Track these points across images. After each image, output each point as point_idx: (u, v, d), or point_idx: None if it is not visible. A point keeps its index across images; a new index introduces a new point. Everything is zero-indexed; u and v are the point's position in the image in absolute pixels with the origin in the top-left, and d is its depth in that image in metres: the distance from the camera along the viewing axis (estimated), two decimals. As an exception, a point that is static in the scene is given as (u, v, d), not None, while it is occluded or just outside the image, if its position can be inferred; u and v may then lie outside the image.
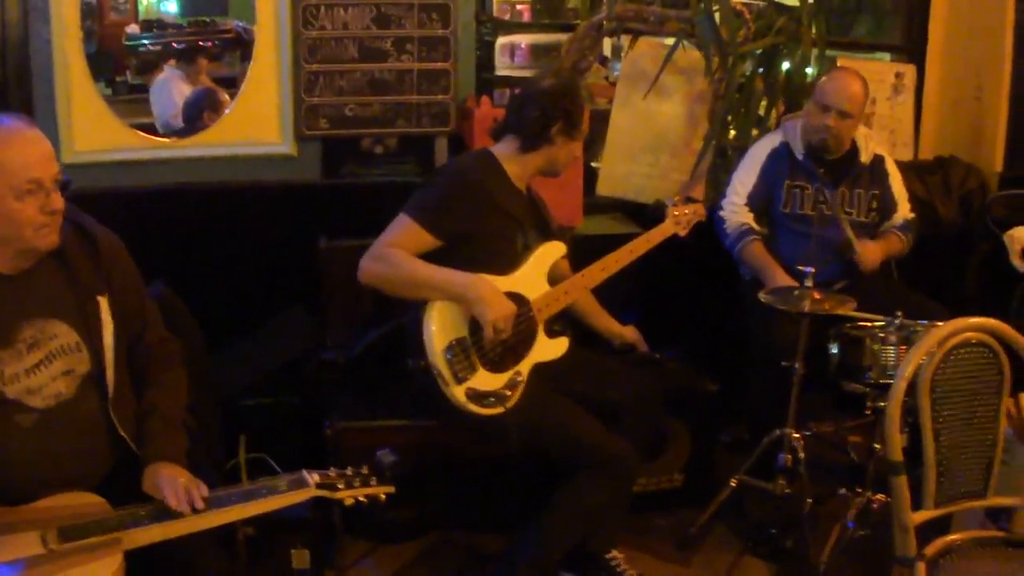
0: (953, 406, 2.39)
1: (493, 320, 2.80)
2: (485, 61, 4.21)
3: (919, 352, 2.36)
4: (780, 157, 3.75)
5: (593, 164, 4.23)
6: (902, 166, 3.98)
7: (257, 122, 3.84)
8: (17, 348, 2.19)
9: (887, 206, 3.80)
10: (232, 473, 3.20)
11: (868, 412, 3.23)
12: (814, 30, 4.03)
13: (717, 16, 3.87)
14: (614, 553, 3.14)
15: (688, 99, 4.15)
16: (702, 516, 3.37)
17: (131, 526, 2.10)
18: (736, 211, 3.74)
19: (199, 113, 4.40)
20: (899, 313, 3.15)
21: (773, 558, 3.30)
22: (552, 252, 3.10)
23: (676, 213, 3.37)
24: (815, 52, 4.08)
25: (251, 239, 3.80)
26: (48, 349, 2.22)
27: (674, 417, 3.43)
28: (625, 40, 4.15)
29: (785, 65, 4.11)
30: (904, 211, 3.83)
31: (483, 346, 2.88)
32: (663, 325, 3.55)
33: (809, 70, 4.12)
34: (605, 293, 3.25)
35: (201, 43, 5.03)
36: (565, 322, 3.16)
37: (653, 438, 3.28)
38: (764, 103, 4.15)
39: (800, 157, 3.71)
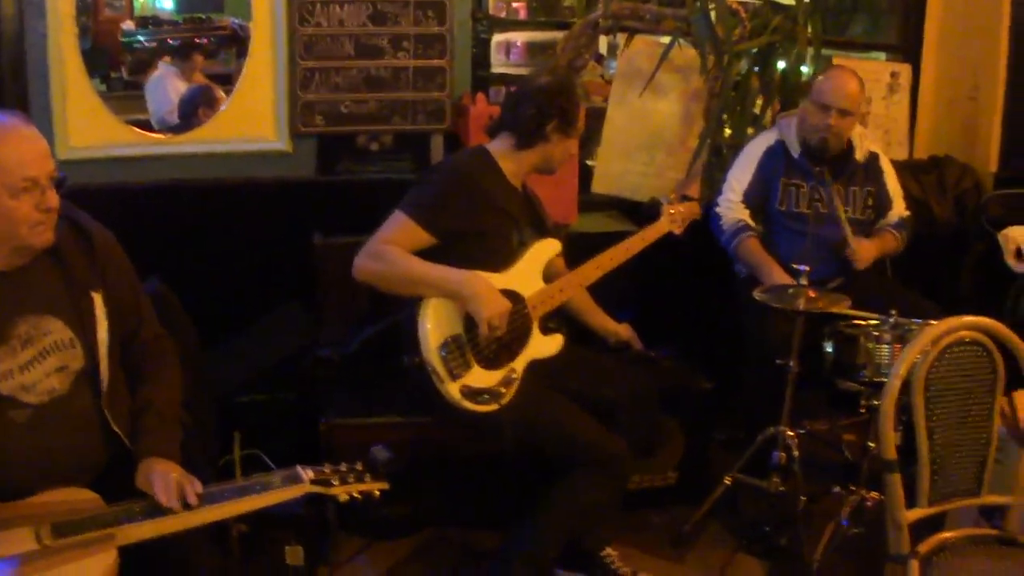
0: (947, 404, 2.39)
1: (488, 317, 2.80)
2: (481, 59, 4.22)
3: (913, 350, 2.36)
4: (776, 155, 3.76)
5: (589, 162, 4.24)
6: (897, 165, 3.99)
7: (253, 119, 3.83)
8: (11, 344, 2.19)
9: (882, 203, 3.81)
10: (226, 470, 3.20)
11: (862, 410, 3.24)
12: (810, 29, 4.04)
13: (713, 14, 3.88)
14: (608, 550, 3.14)
15: (684, 97, 4.15)
16: (696, 514, 3.37)
17: (125, 522, 2.09)
18: (732, 208, 3.74)
19: (195, 109, 4.41)
20: (893, 312, 3.16)
21: (767, 556, 3.30)
22: (547, 249, 3.10)
23: (671, 211, 3.37)
24: (811, 51, 4.09)
25: (246, 236, 3.79)
26: (42, 345, 2.22)
27: (669, 415, 3.43)
28: (621, 38, 4.16)
29: (781, 64, 4.12)
30: (899, 208, 3.84)
31: (478, 343, 2.88)
32: (658, 323, 3.55)
33: (805, 69, 4.13)
34: (600, 291, 3.25)
35: (197, 40, 5.03)
36: (560, 319, 3.16)
37: (648, 436, 3.28)
38: (760, 102, 4.16)
39: (796, 155, 3.72)
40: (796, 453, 3.24)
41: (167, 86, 4.82)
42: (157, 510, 2.13)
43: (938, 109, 4.72)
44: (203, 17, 5.14)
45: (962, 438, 2.43)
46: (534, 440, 2.91)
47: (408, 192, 2.99)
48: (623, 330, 3.33)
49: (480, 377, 2.88)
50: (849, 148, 3.75)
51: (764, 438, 3.31)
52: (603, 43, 4.66)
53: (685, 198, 3.50)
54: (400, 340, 2.95)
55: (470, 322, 2.85)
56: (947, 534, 2.46)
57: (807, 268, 3.17)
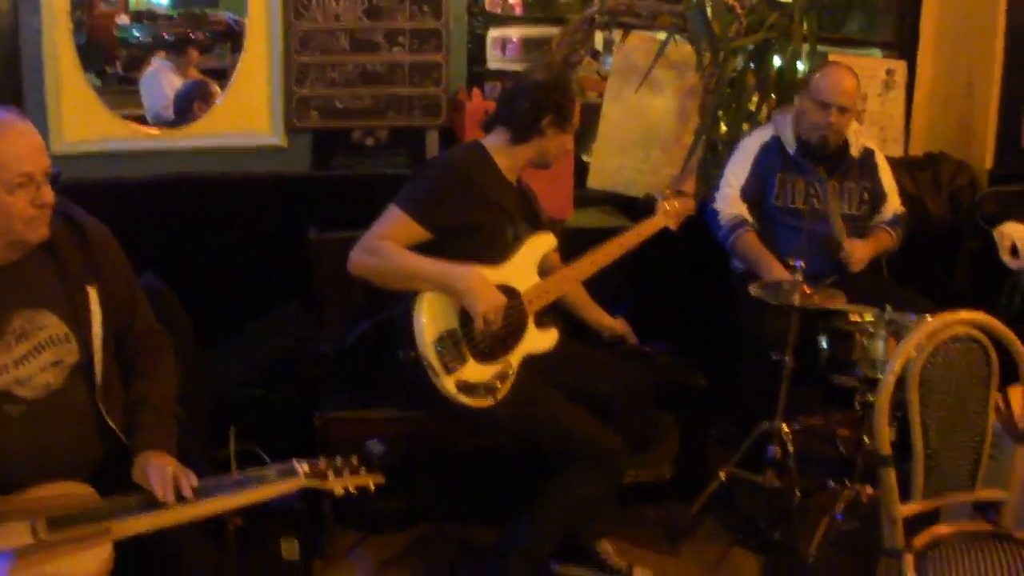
0: (942, 400, 2.40)
1: (483, 311, 2.80)
2: (476, 54, 4.21)
3: (908, 346, 2.37)
4: (771, 151, 3.76)
5: (584, 157, 4.24)
6: (892, 162, 4.00)
7: (248, 114, 3.83)
8: (6, 339, 2.18)
9: (877, 199, 3.82)
10: (222, 464, 3.19)
11: (857, 405, 3.24)
12: (806, 26, 4.05)
13: (709, 11, 3.87)
14: (604, 544, 3.15)
15: (679, 93, 4.15)
16: (692, 508, 3.38)
17: (121, 516, 2.09)
18: (730, 202, 3.74)
19: (190, 104, 4.40)
20: (888, 307, 3.16)
21: (762, 550, 3.31)
22: (543, 244, 3.11)
23: (666, 207, 3.38)
24: (806, 48, 4.09)
25: (241, 231, 3.78)
26: (37, 340, 2.22)
27: (664, 410, 3.44)
28: (617, 34, 4.15)
29: (776, 61, 4.12)
30: (894, 204, 3.85)
31: (473, 337, 2.88)
32: (653, 318, 3.54)
33: (800, 66, 4.13)
34: (595, 286, 3.25)
35: (192, 35, 5.03)
36: (555, 314, 3.16)
37: (643, 430, 3.29)
38: (755, 98, 4.16)
39: (791, 151, 3.72)
40: (791, 448, 3.24)
41: (162, 81, 4.82)
42: (153, 504, 2.13)
43: (933, 106, 4.72)
44: (198, 12, 5.14)
45: (957, 433, 2.44)
46: (529, 435, 2.91)
47: (403, 187, 2.99)
48: (618, 325, 3.33)
49: (475, 371, 2.88)
50: (844, 144, 3.76)
51: (759, 433, 3.31)
52: (599, 39, 4.65)
53: (680, 194, 3.50)
54: (395, 334, 2.95)
55: (465, 316, 2.86)
56: (942, 529, 2.47)
57: (803, 264, 3.17)
